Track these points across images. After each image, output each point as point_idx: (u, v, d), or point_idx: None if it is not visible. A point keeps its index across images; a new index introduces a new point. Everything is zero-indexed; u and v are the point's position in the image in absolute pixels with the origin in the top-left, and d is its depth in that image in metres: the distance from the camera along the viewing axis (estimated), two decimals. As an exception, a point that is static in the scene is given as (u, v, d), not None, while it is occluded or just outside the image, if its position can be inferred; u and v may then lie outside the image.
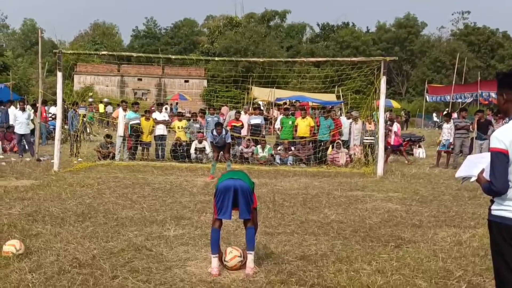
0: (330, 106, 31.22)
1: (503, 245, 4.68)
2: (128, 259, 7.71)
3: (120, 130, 21.50)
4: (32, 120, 22.94)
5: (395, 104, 54.60)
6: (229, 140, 18.75)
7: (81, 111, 23.50)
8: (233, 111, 25.78)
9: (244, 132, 22.64)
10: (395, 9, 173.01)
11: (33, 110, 24.76)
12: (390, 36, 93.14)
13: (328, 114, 22.66)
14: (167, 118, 23.32)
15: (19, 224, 9.64)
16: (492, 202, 4.80)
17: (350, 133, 22.15)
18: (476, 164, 5.09)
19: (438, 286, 6.77)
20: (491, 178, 4.64)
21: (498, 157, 4.58)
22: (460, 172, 5.27)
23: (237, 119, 22.77)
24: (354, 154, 21.65)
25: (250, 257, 7.27)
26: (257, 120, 22.94)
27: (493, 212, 4.76)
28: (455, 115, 26.28)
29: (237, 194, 7.13)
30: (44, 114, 27.03)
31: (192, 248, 8.38)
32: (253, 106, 29.36)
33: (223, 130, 18.55)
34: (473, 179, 5.00)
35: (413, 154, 25.91)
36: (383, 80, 17.89)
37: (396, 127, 22.74)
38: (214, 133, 18.23)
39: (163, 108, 27.11)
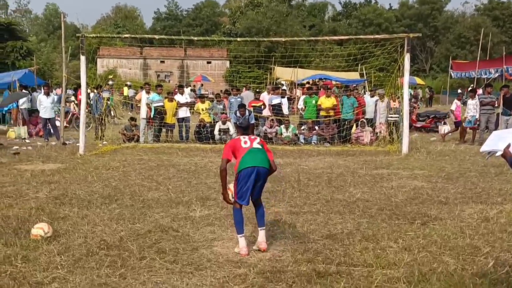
0: (354, 85, 31.05)
1: None
2: (155, 240, 7.77)
3: (143, 113, 21.55)
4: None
5: (419, 81, 54.18)
6: (253, 121, 18.79)
7: (105, 95, 23.57)
8: (247, 92, 25.79)
9: (266, 112, 22.56)
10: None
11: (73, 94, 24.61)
12: (413, 13, 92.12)
13: (351, 93, 22.52)
14: (189, 100, 23.25)
15: (46, 207, 9.75)
16: None
17: (375, 111, 21.98)
18: (502, 139, 5.05)
19: (465, 262, 6.73)
20: None
21: None
22: (486, 147, 5.26)
23: (257, 99, 22.65)
24: (380, 132, 21.51)
25: (262, 233, 7.38)
26: (277, 100, 22.86)
27: None
28: (480, 91, 26.01)
29: (258, 180, 7.25)
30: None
31: (218, 228, 8.43)
32: (274, 86, 29.28)
33: (246, 111, 18.57)
34: (499, 153, 4.97)
35: (438, 131, 25.71)
36: (407, 57, 17.71)
37: (455, 105, 22.76)
38: (238, 114, 18.27)
39: (186, 90, 27.16)
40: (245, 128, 8.25)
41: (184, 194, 11.15)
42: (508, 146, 4.83)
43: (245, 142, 7.44)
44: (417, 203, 10.13)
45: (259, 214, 7.45)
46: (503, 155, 4.89)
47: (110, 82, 32.35)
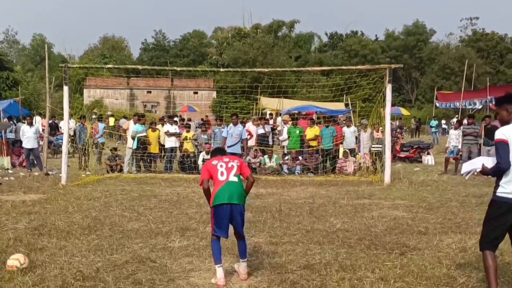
0: (341, 116, 31.17)
1: (498, 218, 6.31)
2: (132, 271, 7.73)
3: (130, 142, 21.40)
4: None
5: (404, 111, 54.41)
6: (245, 136, 19.02)
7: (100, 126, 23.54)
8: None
9: (252, 142, 22.62)
10: (404, 16, 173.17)
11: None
12: (399, 44, 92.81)
13: (328, 124, 22.59)
14: (178, 130, 23.19)
15: (24, 238, 9.68)
16: (496, 187, 6.22)
17: (359, 142, 22.07)
18: (479, 161, 6.63)
19: (441, 293, 6.76)
20: (498, 160, 6.13)
21: (501, 144, 6.08)
22: (464, 168, 6.79)
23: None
24: (364, 162, 21.56)
25: (243, 264, 7.42)
26: (262, 130, 22.98)
27: (498, 194, 6.19)
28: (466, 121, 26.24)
29: (233, 216, 7.29)
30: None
31: (197, 259, 8.40)
32: (259, 117, 29.31)
33: (239, 124, 18.91)
34: (478, 170, 6.44)
35: (422, 162, 25.84)
36: (389, 87, 17.85)
37: None
38: (230, 125, 18.54)
39: (174, 120, 27.20)
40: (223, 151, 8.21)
41: (164, 224, 11.10)
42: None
43: (222, 174, 7.40)
44: (397, 233, 10.15)
45: (240, 247, 7.48)
46: (481, 172, 6.33)
47: (94, 116, 32.16)
